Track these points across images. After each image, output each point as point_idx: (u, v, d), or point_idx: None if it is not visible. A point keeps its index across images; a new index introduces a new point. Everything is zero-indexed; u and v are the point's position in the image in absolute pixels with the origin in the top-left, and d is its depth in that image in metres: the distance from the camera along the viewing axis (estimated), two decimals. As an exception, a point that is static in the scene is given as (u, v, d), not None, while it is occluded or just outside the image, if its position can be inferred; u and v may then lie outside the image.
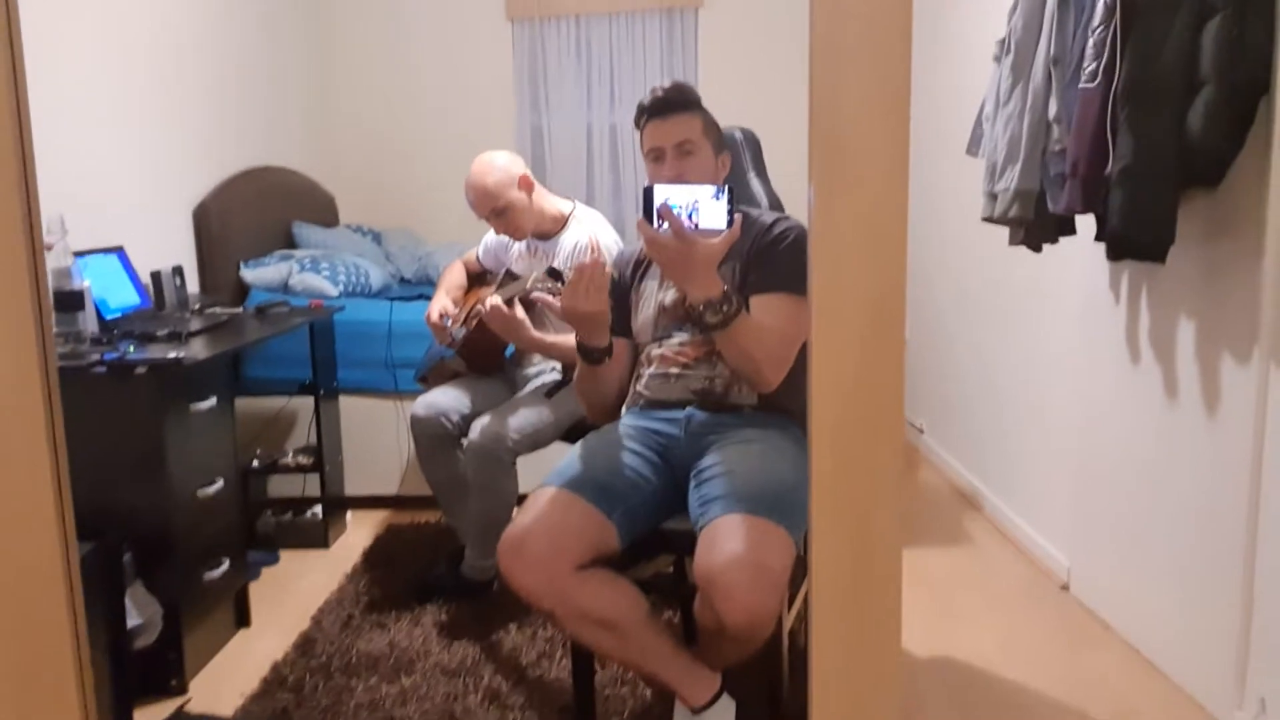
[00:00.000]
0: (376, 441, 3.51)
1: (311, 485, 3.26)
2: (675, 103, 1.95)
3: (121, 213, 3.00)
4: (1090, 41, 2.04)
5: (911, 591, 2.71)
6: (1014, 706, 2.16)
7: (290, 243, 4.12)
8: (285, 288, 3.60)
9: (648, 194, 1.68)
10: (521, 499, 2.15)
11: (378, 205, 4.97)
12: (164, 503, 2.23)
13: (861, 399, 1.07)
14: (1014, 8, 2.40)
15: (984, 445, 3.49)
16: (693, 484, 1.81)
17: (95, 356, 2.19)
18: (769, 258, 1.93)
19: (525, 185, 2.70)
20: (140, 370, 2.17)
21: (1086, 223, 2.35)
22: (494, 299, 2.44)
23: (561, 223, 2.78)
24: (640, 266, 2.14)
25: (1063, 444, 2.80)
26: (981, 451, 3.53)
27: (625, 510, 1.78)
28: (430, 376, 2.96)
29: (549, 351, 2.60)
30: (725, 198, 1.68)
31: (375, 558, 3.07)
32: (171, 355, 2.22)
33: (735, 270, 1.95)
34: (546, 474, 1.85)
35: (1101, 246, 2.30)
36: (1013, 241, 2.54)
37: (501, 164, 2.68)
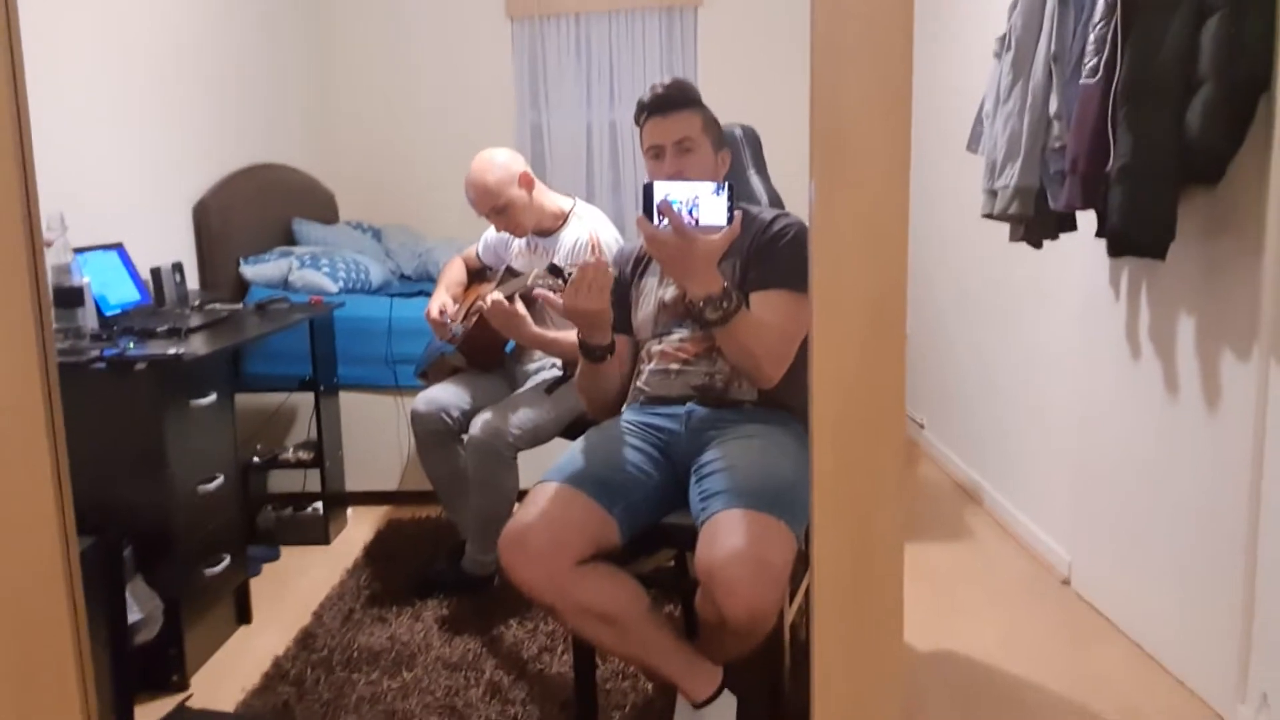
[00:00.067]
0: (377, 437, 3.51)
1: (312, 481, 3.26)
2: (675, 100, 1.95)
3: (121, 209, 3.00)
4: (1090, 38, 2.04)
5: (912, 586, 2.70)
6: (1015, 702, 2.16)
7: (290, 239, 4.12)
8: (285, 284, 3.60)
9: (648, 191, 1.68)
10: (522, 494, 2.15)
11: (378, 202, 4.97)
12: (164, 498, 2.23)
13: (862, 396, 1.07)
14: (1014, 5, 2.40)
15: (984, 440, 3.50)
16: (693, 479, 1.81)
17: (95, 353, 2.19)
18: (769, 254, 1.93)
19: (525, 183, 2.70)
20: (140, 366, 2.17)
21: (1087, 219, 2.35)
22: (495, 295, 2.44)
23: (562, 220, 2.78)
24: (640, 263, 2.14)
25: (1063, 439, 2.80)
26: (982, 446, 3.53)
27: (626, 505, 1.78)
28: (430, 372, 2.96)
29: (549, 348, 2.60)
30: (725, 194, 1.68)
31: (376, 553, 3.08)
32: (171, 351, 2.22)
33: (735, 267, 1.95)
34: (547, 469, 1.85)
35: (1102, 243, 2.31)
36: (1013, 238, 2.54)
37: (501, 161, 2.68)
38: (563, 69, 4.92)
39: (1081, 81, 2.07)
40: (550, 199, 2.79)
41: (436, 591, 2.72)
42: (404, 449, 3.51)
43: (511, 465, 2.61)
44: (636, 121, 2.01)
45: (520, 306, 2.45)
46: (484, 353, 2.85)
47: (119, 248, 2.83)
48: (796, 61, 4.66)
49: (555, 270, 2.40)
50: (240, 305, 3.15)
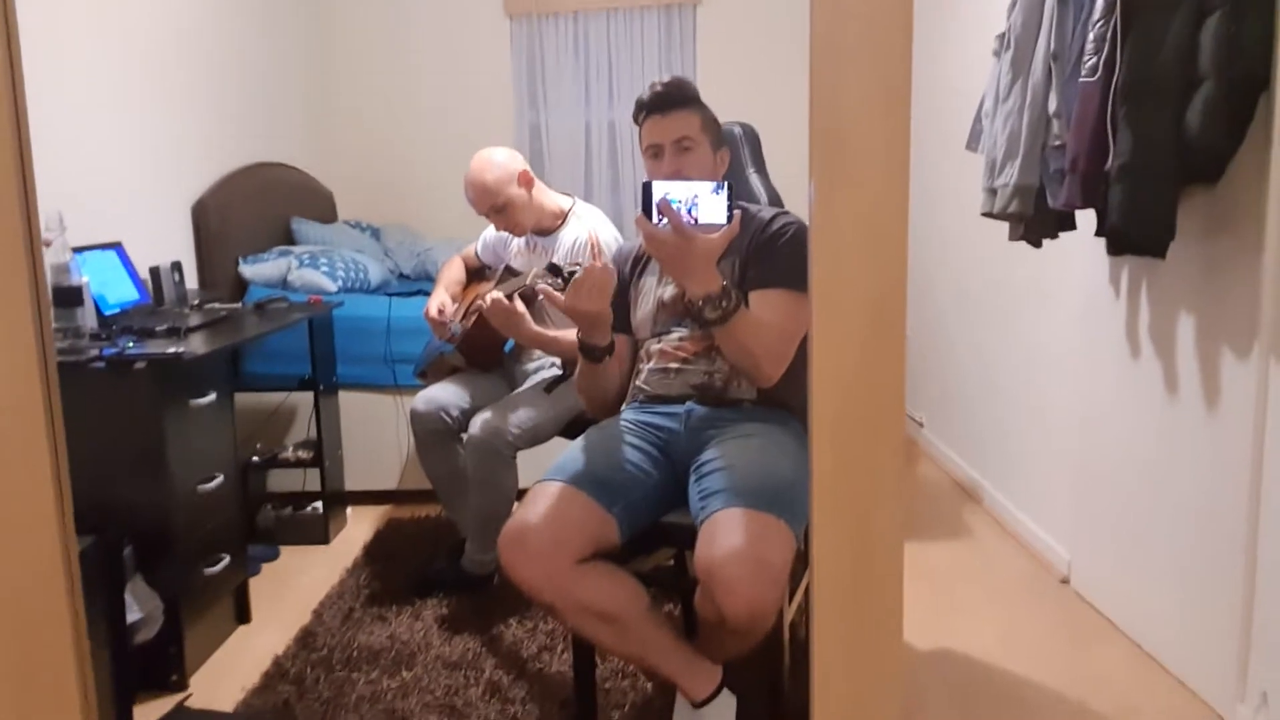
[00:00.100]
0: (376, 436, 3.51)
1: (311, 480, 3.26)
2: (674, 98, 1.95)
3: (120, 208, 3.00)
4: (1090, 37, 2.04)
5: (912, 585, 2.72)
6: (1015, 700, 2.16)
7: (289, 238, 4.11)
8: (284, 283, 3.60)
9: (646, 190, 1.68)
10: (522, 494, 2.15)
11: (376, 201, 4.97)
12: (164, 498, 2.23)
13: (862, 395, 1.07)
14: (1013, 3, 2.40)
15: (984, 438, 3.50)
16: (693, 478, 1.81)
17: (94, 352, 2.19)
18: (768, 253, 1.93)
19: (525, 181, 2.70)
20: (139, 366, 2.17)
21: (1086, 218, 2.35)
22: (494, 293, 2.44)
23: (561, 218, 2.78)
24: (639, 262, 2.14)
25: (1063, 438, 2.80)
26: (981, 445, 3.53)
27: (625, 504, 1.78)
28: (429, 372, 2.96)
29: (549, 346, 2.60)
30: (724, 193, 1.68)
31: (375, 552, 3.08)
32: (170, 351, 2.22)
33: (734, 266, 1.95)
34: (546, 469, 1.85)
35: (1101, 242, 2.31)
36: (1012, 237, 2.54)
37: (501, 160, 2.68)
38: (561, 67, 4.92)
39: (1081, 80, 2.07)
40: (549, 198, 2.79)
41: (436, 590, 2.72)
42: (403, 448, 3.51)
43: (511, 464, 2.61)
44: (635, 120, 2.01)
45: (520, 305, 2.45)
46: (483, 352, 2.85)
47: (118, 247, 2.83)
48: (796, 60, 4.66)
49: (554, 269, 2.40)
50: (239, 304, 3.15)
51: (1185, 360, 2.15)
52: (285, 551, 3.15)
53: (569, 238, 2.72)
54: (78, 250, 2.46)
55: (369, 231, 4.58)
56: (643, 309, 2.07)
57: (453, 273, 3.03)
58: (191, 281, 3.39)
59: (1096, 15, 2.02)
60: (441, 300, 2.83)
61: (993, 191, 2.48)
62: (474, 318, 2.71)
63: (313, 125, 4.73)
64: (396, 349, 3.42)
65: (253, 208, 3.81)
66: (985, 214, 2.56)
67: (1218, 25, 1.80)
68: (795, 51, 4.73)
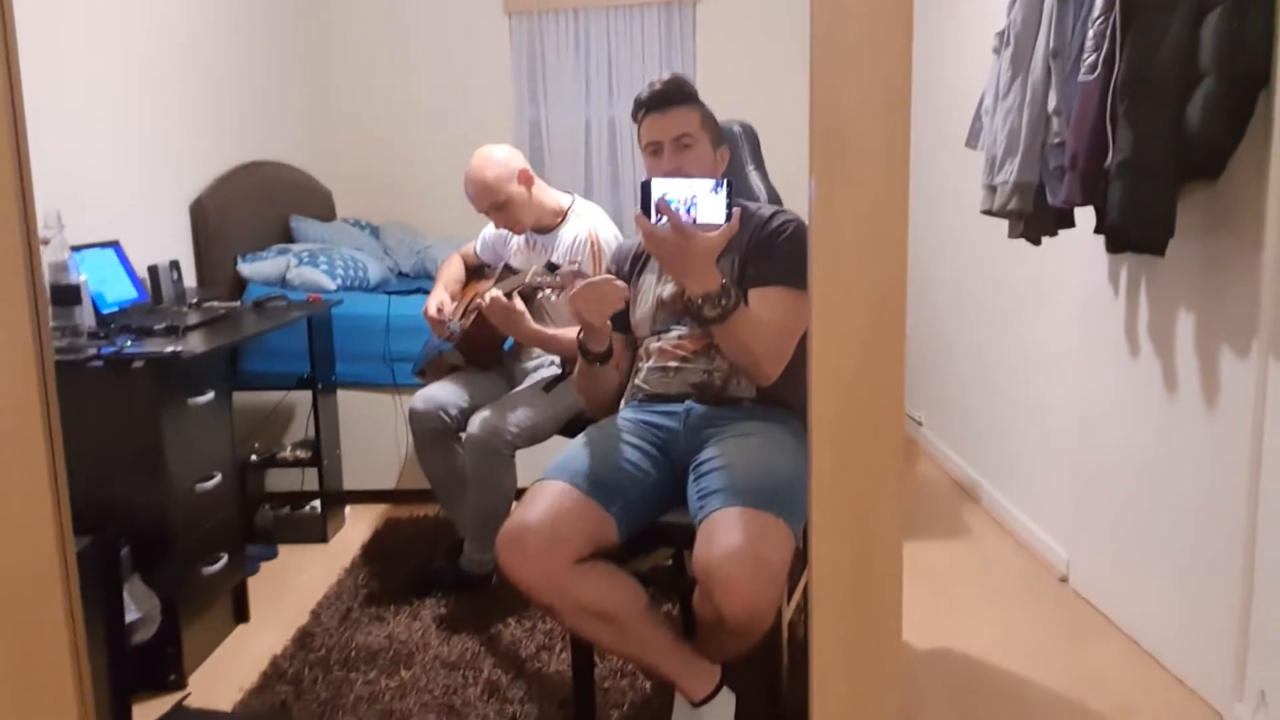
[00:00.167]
0: (375, 436, 3.51)
1: (310, 479, 3.26)
2: (673, 96, 1.95)
3: (119, 207, 2.99)
4: (1090, 34, 2.04)
5: (910, 584, 2.72)
6: (1014, 699, 2.16)
7: (288, 237, 4.11)
8: (283, 282, 3.60)
9: (645, 188, 1.68)
10: (520, 493, 2.15)
11: (375, 199, 4.96)
12: (162, 497, 2.23)
13: (862, 394, 1.06)
14: (1013, 1, 2.39)
15: (983, 438, 3.50)
16: (692, 477, 1.81)
17: (92, 351, 2.19)
18: (767, 251, 1.93)
19: (525, 179, 2.69)
20: (137, 364, 2.17)
21: (1086, 215, 2.35)
22: (494, 292, 2.43)
23: (561, 216, 2.77)
24: (638, 260, 2.14)
25: (1062, 437, 2.80)
26: (980, 444, 3.53)
27: (624, 504, 1.78)
28: (428, 370, 2.96)
29: (548, 345, 2.60)
30: (723, 191, 1.68)
31: (374, 552, 3.07)
32: (169, 349, 2.22)
33: (734, 264, 1.94)
34: (545, 468, 1.85)
35: (1100, 239, 2.30)
36: (1012, 234, 2.54)
37: (500, 158, 2.67)
38: (561, 65, 4.92)
39: (1081, 77, 2.06)
40: (549, 196, 2.79)
41: (434, 590, 2.72)
42: (402, 447, 3.51)
43: (509, 463, 2.60)
44: (634, 118, 2.01)
45: (519, 303, 2.44)
46: (482, 350, 2.85)
47: (116, 245, 2.83)
48: (795, 58, 4.66)
49: (553, 267, 2.41)
50: (238, 303, 3.15)
51: (1184, 358, 2.15)
52: (283, 551, 3.15)
53: (569, 235, 2.71)
54: (76, 249, 2.46)
55: (368, 230, 4.57)
56: (642, 307, 2.07)
57: (452, 271, 3.03)
58: (190, 280, 3.38)
59: (1096, 12, 2.01)
60: (440, 299, 2.83)
61: (992, 189, 2.48)
62: (473, 316, 2.70)
63: (311, 123, 4.72)
64: (395, 347, 3.42)
65: (251, 206, 3.80)
66: (985, 211, 2.56)
67: (1218, 21, 1.80)
68: (795, 50, 4.72)
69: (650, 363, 2.01)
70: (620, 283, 1.86)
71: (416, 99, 5.00)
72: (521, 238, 2.84)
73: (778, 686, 1.87)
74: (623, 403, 2.09)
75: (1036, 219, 2.43)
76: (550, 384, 2.70)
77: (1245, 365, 1.93)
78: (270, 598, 2.77)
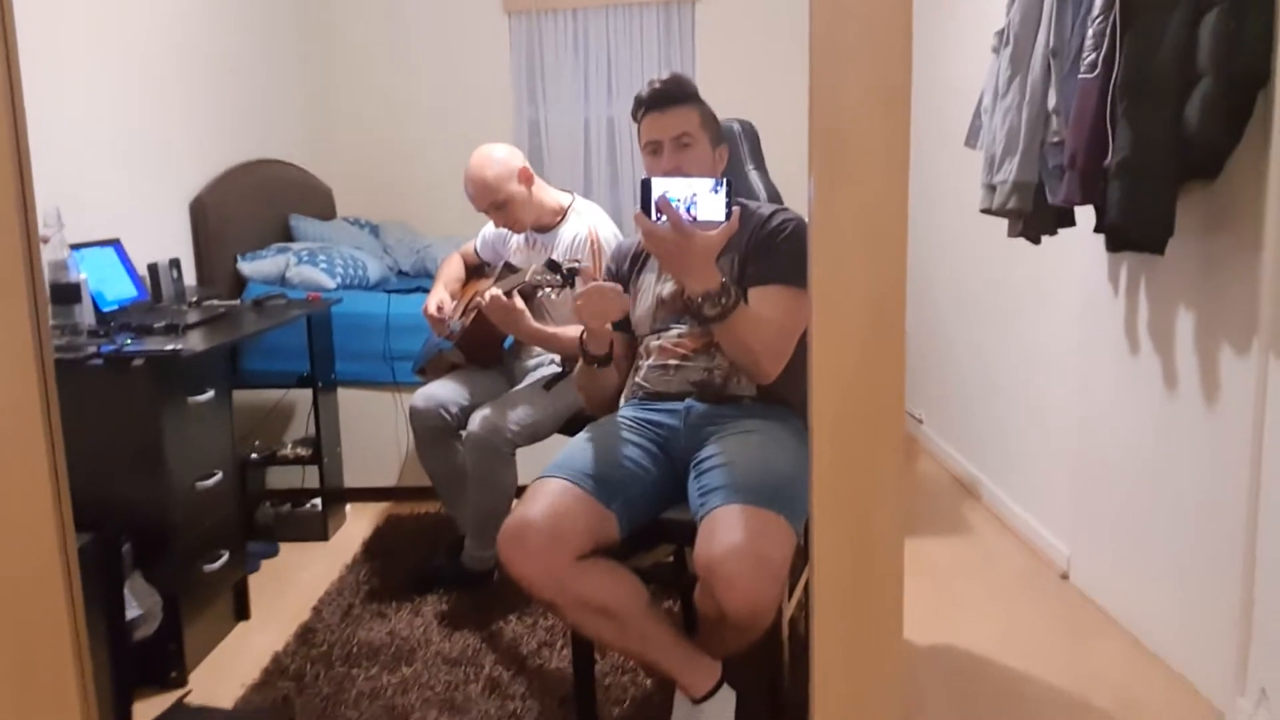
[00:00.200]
0: (375, 433, 3.51)
1: (310, 477, 3.26)
2: (673, 95, 1.95)
3: (118, 205, 2.99)
4: (1089, 33, 2.04)
5: (911, 581, 2.70)
6: (1015, 696, 2.17)
7: (287, 235, 4.11)
8: (283, 280, 3.60)
9: (645, 187, 1.68)
10: (521, 490, 2.15)
11: (375, 198, 4.96)
12: (162, 494, 2.23)
13: (862, 392, 1.07)
14: (1012, 0, 2.40)
15: (983, 434, 3.50)
16: (692, 475, 1.81)
17: (92, 349, 2.19)
18: (767, 250, 1.93)
19: (525, 178, 2.70)
20: (137, 363, 2.17)
21: (1085, 214, 2.35)
22: (493, 290, 2.44)
23: (560, 215, 2.78)
24: (638, 259, 2.14)
25: (1062, 434, 2.81)
26: (981, 441, 3.53)
27: (625, 500, 1.79)
28: (428, 369, 2.96)
29: (548, 343, 2.60)
30: (723, 190, 1.68)
31: (375, 549, 3.08)
32: (169, 348, 2.22)
33: (734, 262, 1.95)
34: (545, 465, 1.85)
35: (1100, 238, 2.31)
36: (1011, 233, 2.54)
37: (500, 157, 2.67)
38: (560, 64, 4.92)
39: (1080, 76, 2.07)
40: (549, 194, 2.79)
41: (436, 587, 2.72)
42: (402, 445, 3.51)
43: (510, 461, 2.61)
44: (634, 117, 2.01)
45: (519, 302, 2.44)
46: (482, 349, 2.85)
47: (116, 244, 2.83)
48: (795, 57, 4.65)
49: (553, 266, 2.41)
50: (238, 301, 3.15)
51: (1184, 356, 2.15)
52: (284, 548, 3.15)
53: (568, 234, 2.71)
54: (76, 247, 2.46)
55: (368, 228, 4.57)
56: (642, 306, 2.07)
57: (452, 270, 3.03)
58: (190, 278, 3.38)
59: (1095, 11, 2.01)
60: (440, 297, 2.83)
61: (991, 188, 2.48)
62: (473, 314, 2.70)
63: (311, 121, 4.72)
64: (395, 346, 3.42)
65: (251, 204, 3.80)
66: (984, 210, 2.56)
67: (1217, 22, 1.80)
68: (794, 49, 4.72)
69: (650, 361, 2.02)
70: (624, 294, 1.88)
71: (416, 98, 5.00)
72: (521, 236, 2.84)
73: (778, 683, 1.87)
74: (623, 400, 2.09)
75: (1036, 218, 2.43)
76: (550, 382, 2.70)
77: (1245, 363, 1.93)
78: (271, 595, 2.77)
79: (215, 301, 3.03)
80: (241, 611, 2.64)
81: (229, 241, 3.59)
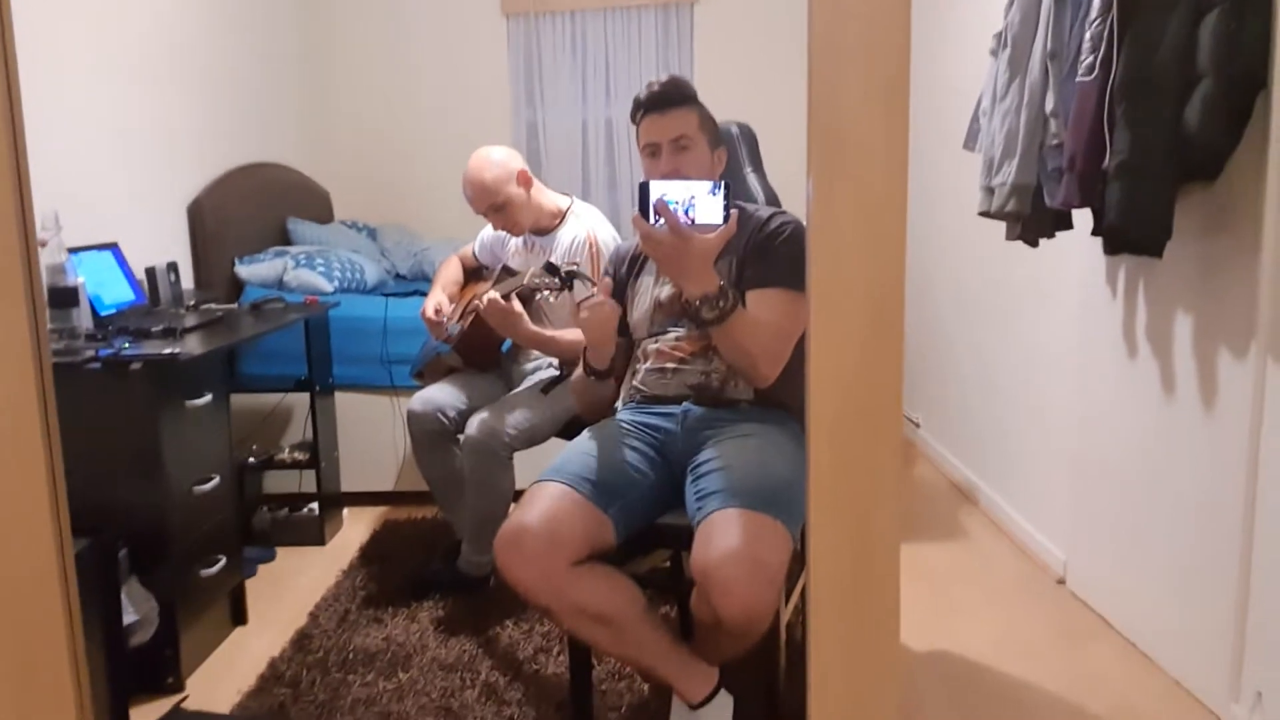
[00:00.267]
0: (372, 437, 3.50)
1: (307, 481, 3.25)
2: (671, 97, 1.95)
3: (116, 209, 2.99)
4: (1087, 35, 2.04)
5: (908, 586, 2.72)
6: (1011, 701, 2.16)
7: (285, 239, 4.11)
8: (280, 284, 3.60)
9: (644, 189, 1.68)
10: (518, 494, 2.15)
11: (373, 201, 4.96)
12: (159, 499, 2.22)
13: (860, 395, 1.06)
14: (1011, 2, 2.39)
15: (980, 439, 3.50)
16: (689, 479, 1.80)
17: (90, 353, 2.18)
18: (765, 253, 1.93)
19: (523, 180, 2.69)
20: (135, 366, 2.17)
21: (1083, 217, 2.35)
22: (491, 293, 2.43)
23: (559, 218, 2.77)
24: (636, 262, 2.14)
25: (1059, 438, 2.80)
26: (978, 445, 3.53)
27: (622, 505, 1.78)
28: (426, 372, 2.95)
29: (546, 347, 2.60)
30: (721, 193, 1.68)
31: (372, 553, 3.07)
32: (166, 351, 2.21)
33: (732, 265, 1.94)
34: (543, 469, 1.85)
35: (1098, 241, 2.31)
36: (1010, 236, 2.54)
37: (499, 159, 2.67)
38: (558, 66, 4.92)
39: (1078, 79, 2.07)
40: (548, 197, 2.79)
41: (432, 592, 2.72)
42: (400, 449, 3.51)
43: (507, 465, 2.60)
44: (633, 119, 2.01)
45: (517, 305, 2.44)
46: (480, 352, 2.85)
47: (114, 247, 2.82)
48: (794, 59, 4.67)
49: (552, 268, 2.40)
50: (235, 305, 3.14)
51: (1182, 360, 2.15)
52: (281, 553, 3.14)
53: (567, 237, 2.71)
54: (73, 251, 2.46)
55: (365, 231, 4.57)
56: (639, 309, 2.07)
57: (450, 273, 3.03)
58: (187, 282, 3.38)
59: (1094, 14, 2.02)
60: (438, 300, 2.83)
61: (990, 190, 2.48)
62: (471, 318, 2.70)
63: (309, 125, 4.72)
64: (393, 349, 3.42)
65: (249, 208, 3.80)
66: (983, 213, 2.56)
67: (1216, 23, 1.80)
68: (793, 50, 4.73)
69: (648, 364, 2.01)
70: (614, 304, 1.92)
71: (414, 100, 5.00)
72: (520, 239, 2.84)
73: (775, 688, 1.87)
74: (620, 404, 2.09)
75: (1034, 221, 2.43)
76: (548, 386, 2.69)
77: (1243, 366, 1.93)
78: (268, 600, 2.77)
79: (213, 305, 3.03)
80: (238, 617, 2.63)
81: (227, 245, 3.59)
